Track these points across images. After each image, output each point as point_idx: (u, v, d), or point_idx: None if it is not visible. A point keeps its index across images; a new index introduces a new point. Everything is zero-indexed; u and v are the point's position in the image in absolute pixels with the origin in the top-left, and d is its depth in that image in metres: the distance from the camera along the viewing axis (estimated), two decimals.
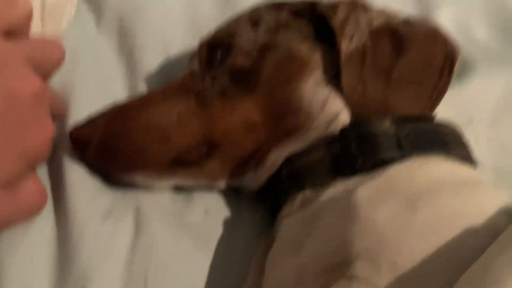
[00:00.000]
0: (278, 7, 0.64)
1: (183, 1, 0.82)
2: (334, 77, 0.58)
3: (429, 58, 0.58)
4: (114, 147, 0.60)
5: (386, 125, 0.54)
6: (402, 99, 0.56)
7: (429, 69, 0.58)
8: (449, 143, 0.54)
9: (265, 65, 0.59)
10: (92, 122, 0.61)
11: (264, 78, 0.59)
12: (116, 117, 0.61)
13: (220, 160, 0.61)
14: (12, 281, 0.53)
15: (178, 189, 0.64)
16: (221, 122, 0.59)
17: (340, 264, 0.44)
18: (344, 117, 0.56)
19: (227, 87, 0.59)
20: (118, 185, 0.62)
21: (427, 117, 0.57)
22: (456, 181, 0.49)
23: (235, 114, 0.59)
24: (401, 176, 0.49)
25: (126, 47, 0.76)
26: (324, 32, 0.60)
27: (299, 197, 0.55)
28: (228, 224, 0.63)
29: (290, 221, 0.55)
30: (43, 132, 0.47)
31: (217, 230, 0.62)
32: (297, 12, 0.63)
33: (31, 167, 0.48)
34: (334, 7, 0.60)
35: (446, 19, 0.84)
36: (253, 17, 0.64)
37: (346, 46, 0.57)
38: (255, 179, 0.62)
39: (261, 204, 0.66)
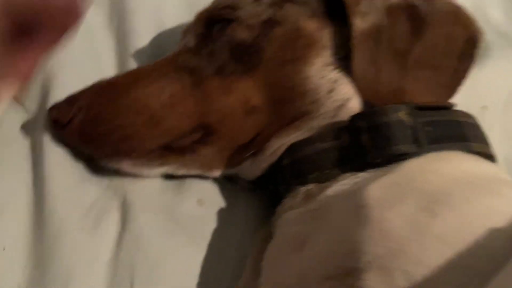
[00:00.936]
0: None
1: None
2: (344, 59, 0.52)
3: (450, 41, 0.53)
4: (98, 130, 0.54)
5: (401, 114, 0.48)
6: (418, 86, 0.51)
7: (449, 53, 0.53)
8: (468, 136, 0.49)
9: (269, 42, 0.53)
10: (73, 100, 0.55)
11: (267, 55, 0.53)
12: (100, 96, 0.55)
13: (216, 147, 0.56)
14: None
15: (169, 176, 0.59)
16: (217, 104, 0.53)
17: (348, 272, 0.39)
18: (354, 105, 0.51)
19: (225, 64, 0.54)
20: (103, 171, 0.57)
21: (445, 106, 0.51)
22: (477, 182, 0.44)
23: (234, 95, 0.53)
24: (417, 174, 0.44)
25: (117, 19, 0.70)
26: (335, 9, 0.54)
27: (302, 191, 0.51)
28: (223, 217, 0.58)
29: (291, 216, 0.50)
30: None
31: (211, 223, 0.57)
32: None
33: None
34: None
35: None
36: None
37: (360, 24, 0.51)
38: (253, 168, 0.57)
39: (258, 195, 0.61)
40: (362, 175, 0.47)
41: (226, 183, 0.61)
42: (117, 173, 0.57)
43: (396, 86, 0.51)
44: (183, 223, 0.56)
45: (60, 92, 0.59)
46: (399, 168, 0.45)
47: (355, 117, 0.50)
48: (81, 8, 0.33)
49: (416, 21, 0.52)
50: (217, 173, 0.58)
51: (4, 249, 0.51)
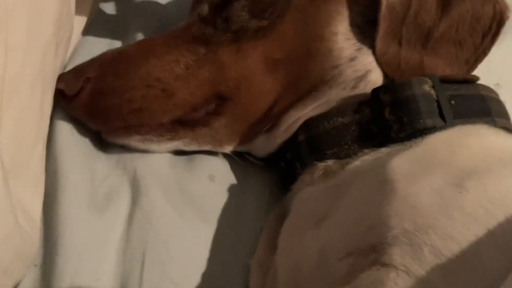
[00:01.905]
0: None
1: None
2: (368, 31, 0.50)
3: (476, 18, 0.51)
4: (106, 103, 0.52)
5: (426, 87, 0.46)
6: (439, 61, 0.49)
7: (474, 30, 0.51)
8: (492, 111, 0.48)
9: None
10: (81, 71, 0.53)
11: (291, 9, 0.51)
12: (109, 67, 0.53)
13: (230, 117, 0.53)
14: None
15: (178, 152, 0.58)
16: (235, 69, 0.51)
17: (373, 247, 0.37)
18: (375, 77, 0.50)
19: (244, 27, 0.52)
20: (111, 147, 0.55)
21: (468, 80, 0.50)
22: (506, 157, 0.42)
23: (253, 57, 0.51)
24: (444, 148, 0.43)
25: None
26: None
27: (320, 167, 0.49)
28: (234, 193, 0.56)
29: (309, 192, 0.48)
30: None
31: (223, 199, 0.55)
32: None
33: None
34: None
35: None
36: None
37: None
38: (267, 143, 0.55)
39: (269, 172, 0.60)
40: (384, 151, 0.46)
41: (236, 160, 0.59)
42: (126, 149, 0.55)
43: (416, 61, 0.49)
44: (195, 199, 0.54)
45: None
46: (424, 142, 0.44)
47: (377, 90, 0.48)
48: None
49: None
50: (228, 149, 0.56)
51: None
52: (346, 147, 0.48)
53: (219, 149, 0.57)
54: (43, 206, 0.48)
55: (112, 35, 0.65)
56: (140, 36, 0.64)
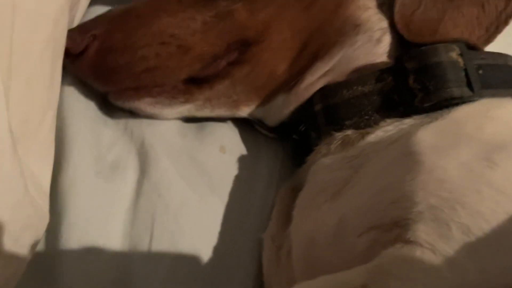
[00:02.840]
0: None
1: None
2: None
3: None
4: (115, 62, 0.49)
5: (453, 55, 0.44)
6: (460, 20, 0.46)
7: None
8: None
9: None
10: (87, 28, 0.50)
11: None
12: (119, 24, 0.50)
13: (253, 65, 0.50)
14: None
15: (188, 121, 0.55)
16: (257, 17, 0.49)
17: (396, 223, 0.35)
18: (390, 40, 0.47)
19: None
20: (118, 113, 0.53)
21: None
22: None
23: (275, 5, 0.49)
24: (472, 120, 0.40)
25: None
26: None
27: (338, 137, 0.46)
28: (246, 165, 0.54)
29: (326, 162, 0.46)
30: None
31: (233, 171, 0.53)
32: None
33: None
34: None
35: None
36: None
37: None
38: (283, 106, 0.52)
39: (281, 144, 0.58)
40: (407, 121, 0.43)
41: (248, 130, 0.57)
42: (134, 115, 0.52)
43: (434, 23, 0.46)
44: (205, 171, 0.52)
45: None
46: (451, 114, 0.41)
47: (401, 57, 0.45)
48: None
49: None
50: (245, 111, 0.54)
51: None
52: (367, 117, 0.45)
53: (235, 112, 0.54)
54: None
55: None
56: None
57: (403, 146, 0.39)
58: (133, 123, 0.52)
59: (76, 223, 0.45)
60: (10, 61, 0.37)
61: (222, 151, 0.54)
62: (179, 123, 0.54)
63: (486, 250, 0.32)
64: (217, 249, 0.49)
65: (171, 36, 0.49)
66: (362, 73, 0.47)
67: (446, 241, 0.33)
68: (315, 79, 0.49)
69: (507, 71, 0.45)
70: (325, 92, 0.49)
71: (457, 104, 0.42)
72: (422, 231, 0.33)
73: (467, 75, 0.43)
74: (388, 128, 0.43)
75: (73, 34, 0.49)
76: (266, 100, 0.52)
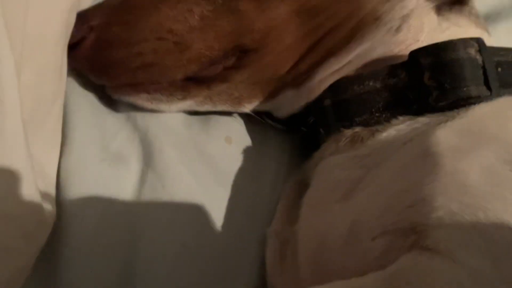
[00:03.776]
0: None
1: None
2: None
3: None
4: (112, 55, 0.47)
5: (471, 51, 0.42)
6: None
7: None
8: None
9: None
10: (84, 18, 0.47)
11: None
12: (116, 16, 0.48)
13: (253, 70, 0.48)
14: None
15: (193, 112, 0.53)
16: (261, 20, 0.46)
17: (414, 228, 0.33)
18: (418, 23, 0.45)
19: None
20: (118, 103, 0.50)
21: None
22: None
23: (283, 7, 0.46)
24: (493, 121, 0.38)
25: None
26: None
27: (347, 134, 0.45)
28: (252, 157, 0.52)
29: (335, 161, 0.44)
30: None
31: (239, 163, 0.51)
32: None
33: None
34: None
35: None
36: None
37: None
38: (292, 101, 0.50)
39: (288, 136, 0.56)
40: (422, 120, 0.41)
41: (254, 122, 0.55)
42: (134, 107, 0.50)
43: None
44: (211, 162, 0.50)
45: None
46: (470, 113, 0.40)
47: (416, 52, 0.43)
48: None
49: None
50: (248, 107, 0.52)
51: None
52: (377, 114, 0.44)
53: (238, 108, 0.52)
54: None
55: None
56: None
57: (420, 146, 0.38)
58: (136, 112, 0.50)
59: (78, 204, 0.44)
60: (22, 50, 0.36)
61: (228, 142, 0.52)
62: (184, 114, 0.52)
63: (511, 260, 0.31)
64: (221, 243, 0.47)
65: (168, 31, 0.46)
66: (374, 68, 0.45)
67: (467, 249, 0.31)
68: (328, 75, 0.47)
69: None
70: (335, 87, 0.47)
71: (473, 103, 0.40)
72: (442, 239, 0.32)
73: (485, 73, 0.41)
74: (401, 127, 0.42)
75: None
76: (271, 96, 0.51)
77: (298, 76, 0.49)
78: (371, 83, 0.45)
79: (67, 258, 0.43)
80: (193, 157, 0.49)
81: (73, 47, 0.47)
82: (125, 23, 0.47)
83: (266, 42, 0.47)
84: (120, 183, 0.46)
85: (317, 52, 0.47)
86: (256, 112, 0.53)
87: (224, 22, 0.47)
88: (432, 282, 0.30)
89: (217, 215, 0.48)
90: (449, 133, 0.37)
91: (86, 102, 0.48)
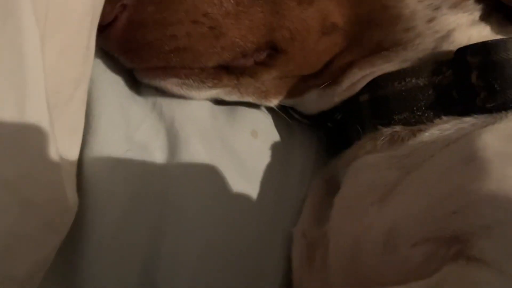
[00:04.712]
0: None
1: None
2: None
3: None
4: (144, 37, 0.45)
5: None
6: None
7: None
8: None
9: None
10: None
11: None
12: None
13: (280, 72, 0.48)
14: None
15: (218, 102, 0.52)
16: (291, 17, 0.45)
17: (458, 236, 0.32)
18: (461, 36, 0.43)
19: None
20: (147, 88, 0.49)
21: None
22: None
23: (312, 8, 0.44)
24: None
25: None
26: None
27: (386, 133, 0.43)
28: (279, 153, 0.50)
29: (370, 160, 0.43)
30: None
31: (266, 159, 0.50)
32: None
33: None
34: None
35: None
36: None
37: None
38: (321, 100, 0.49)
39: (315, 131, 0.54)
40: (468, 121, 0.40)
41: (281, 115, 0.53)
42: (162, 92, 0.49)
43: None
44: (237, 156, 0.48)
45: None
46: None
47: (464, 50, 0.42)
48: None
49: None
50: (273, 102, 0.51)
51: None
52: (419, 113, 0.42)
53: (263, 102, 0.51)
54: None
55: None
56: None
57: (465, 149, 0.36)
58: (162, 100, 0.48)
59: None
60: (45, 28, 0.34)
61: (254, 135, 0.50)
62: (210, 104, 0.51)
63: None
64: (246, 241, 0.46)
65: (204, 15, 0.45)
66: (417, 64, 0.43)
67: None
68: (367, 73, 0.46)
69: None
70: (374, 82, 0.45)
71: None
72: (489, 249, 0.30)
73: None
74: (445, 127, 0.40)
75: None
76: (300, 93, 0.49)
77: (329, 77, 0.47)
78: (413, 80, 0.43)
79: (88, 253, 0.41)
80: (219, 150, 0.48)
81: (104, 27, 0.45)
82: (159, 2, 0.45)
83: (294, 46, 0.46)
84: (144, 175, 0.45)
85: (347, 57, 0.46)
86: (282, 106, 0.52)
87: (258, 11, 0.45)
88: None
89: (243, 212, 0.46)
90: (497, 137, 0.36)
91: (111, 88, 0.47)
